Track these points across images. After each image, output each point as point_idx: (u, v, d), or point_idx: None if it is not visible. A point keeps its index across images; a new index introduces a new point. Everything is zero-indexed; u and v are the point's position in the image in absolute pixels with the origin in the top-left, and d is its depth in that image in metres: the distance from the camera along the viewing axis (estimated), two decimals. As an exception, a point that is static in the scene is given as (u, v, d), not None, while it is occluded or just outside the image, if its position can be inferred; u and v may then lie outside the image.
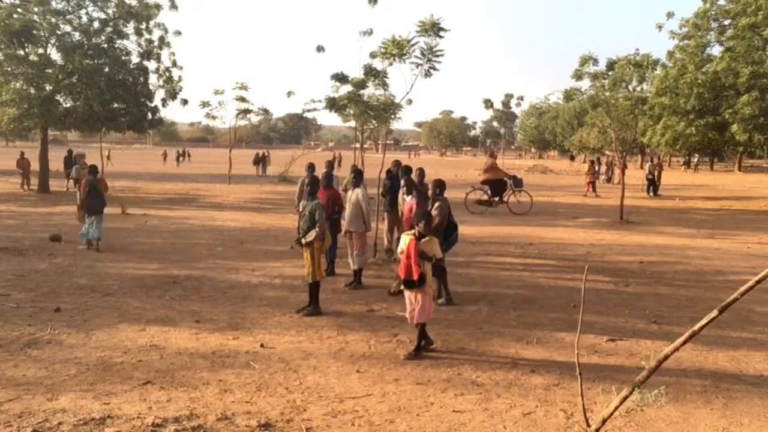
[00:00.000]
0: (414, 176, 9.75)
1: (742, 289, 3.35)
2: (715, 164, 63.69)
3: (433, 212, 7.83)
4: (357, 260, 9.20)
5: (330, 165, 11.00)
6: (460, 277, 9.90)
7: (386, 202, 11.20)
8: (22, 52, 21.79)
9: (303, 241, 7.64)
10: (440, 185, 8.28)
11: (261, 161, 39.42)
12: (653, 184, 27.93)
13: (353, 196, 9.52)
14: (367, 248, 9.68)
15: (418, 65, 10.52)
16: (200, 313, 7.48)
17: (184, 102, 26.38)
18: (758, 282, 3.28)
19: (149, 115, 25.08)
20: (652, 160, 31.36)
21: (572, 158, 78.25)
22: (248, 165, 39.57)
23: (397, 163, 11.55)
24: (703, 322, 3.44)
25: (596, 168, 30.00)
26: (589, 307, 7.86)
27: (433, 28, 10.10)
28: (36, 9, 21.87)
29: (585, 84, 18.84)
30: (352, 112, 12.33)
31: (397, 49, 10.34)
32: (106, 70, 23.16)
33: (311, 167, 10.78)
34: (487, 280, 9.70)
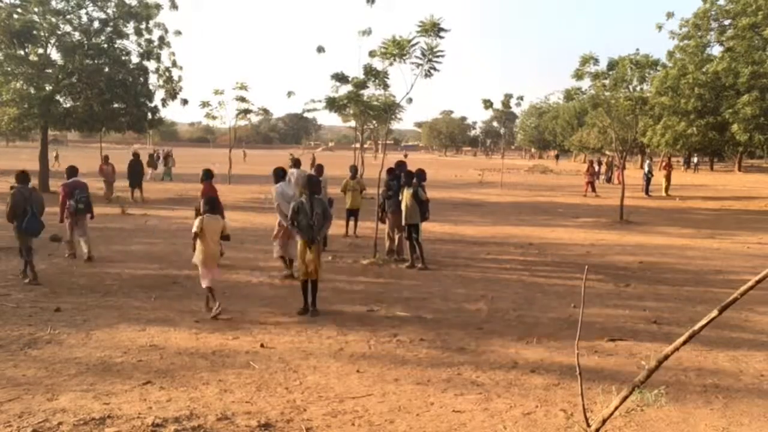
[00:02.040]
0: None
1: (742, 289, 3.35)
2: (715, 164, 63.66)
3: (8, 200, 8.87)
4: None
5: (319, 168, 11.51)
6: (459, 277, 9.92)
7: (391, 204, 11.09)
8: (22, 52, 21.78)
9: (318, 239, 7.74)
10: (20, 177, 9.01)
11: (156, 162, 34.20)
12: (649, 184, 28.00)
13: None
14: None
15: (418, 65, 10.53)
16: (200, 313, 7.48)
17: (184, 102, 26.35)
18: (758, 282, 3.28)
19: (149, 115, 25.04)
20: (651, 159, 31.32)
21: (557, 157, 78.29)
22: (239, 164, 38.91)
23: (400, 163, 11.54)
24: (703, 322, 3.44)
25: (595, 168, 30.00)
26: (589, 308, 7.86)
27: (433, 29, 10.11)
28: (36, 9, 21.86)
29: (586, 84, 18.86)
30: (352, 112, 12.36)
31: (398, 49, 10.35)
32: (106, 70, 23.14)
33: (319, 168, 11.33)
34: (487, 280, 9.70)
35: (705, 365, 6.08)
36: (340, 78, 11.75)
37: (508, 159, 67.27)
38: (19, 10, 21.70)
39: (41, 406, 4.75)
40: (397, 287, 9.11)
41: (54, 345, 6.19)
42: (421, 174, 10.85)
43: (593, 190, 27.19)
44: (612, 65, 18.02)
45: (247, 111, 28.98)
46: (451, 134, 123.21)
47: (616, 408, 3.71)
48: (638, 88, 19.06)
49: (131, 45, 24.25)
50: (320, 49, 13.71)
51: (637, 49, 18.47)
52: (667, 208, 22.76)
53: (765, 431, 4.71)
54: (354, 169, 14.60)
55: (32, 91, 21.85)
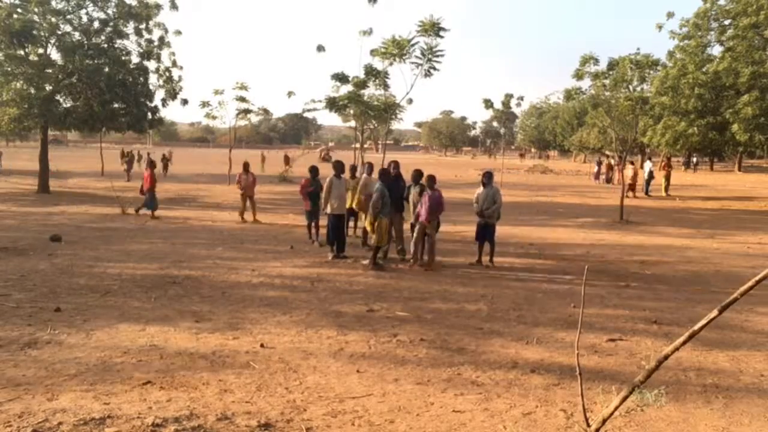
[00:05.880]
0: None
1: (742, 289, 3.35)
2: (715, 164, 63.67)
3: None
4: None
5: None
6: (459, 276, 9.92)
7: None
8: (22, 52, 21.80)
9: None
10: None
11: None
12: (649, 184, 27.97)
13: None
14: None
15: (418, 65, 10.55)
16: (200, 313, 7.48)
17: (184, 102, 26.43)
18: (758, 282, 3.28)
19: (149, 115, 25.09)
20: (650, 159, 31.27)
21: (521, 155, 78.92)
22: (236, 166, 38.53)
23: (395, 164, 11.57)
24: (703, 322, 3.44)
25: (595, 168, 29.89)
26: (589, 307, 7.86)
27: (433, 28, 10.14)
28: (36, 9, 21.88)
29: (586, 84, 18.89)
30: (352, 112, 12.36)
31: (398, 49, 10.37)
32: (106, 70, 23.15)
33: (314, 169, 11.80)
34: (487, 280, 9.70)
35: (705, 365, 6.07)
36: (341, 78, 11.77)
37: (508, 159, 67.31)
38: (19, 10, 21.71)
39: (41, 406, 4.75)
40: (397, 287, 9.11)
41: (54, 345, 6.19)
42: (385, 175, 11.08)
43: (632, 190, 25.82)
44: (612, 65, 18.04)
45: (247, 111, 29.01)
46: (451, 134, 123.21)
47: (616, 408, 3.71)
48: (638, 88, 19.08)
49: (131, 45, 24.33)
50: (320, 48, 13.73)
51: (638, 49, 18.49)
52: (667, 208, 22.76)
53: (765, 431, 4.70)
54: (353, 169, 14.62)
55: (32, 91, 21.88)
